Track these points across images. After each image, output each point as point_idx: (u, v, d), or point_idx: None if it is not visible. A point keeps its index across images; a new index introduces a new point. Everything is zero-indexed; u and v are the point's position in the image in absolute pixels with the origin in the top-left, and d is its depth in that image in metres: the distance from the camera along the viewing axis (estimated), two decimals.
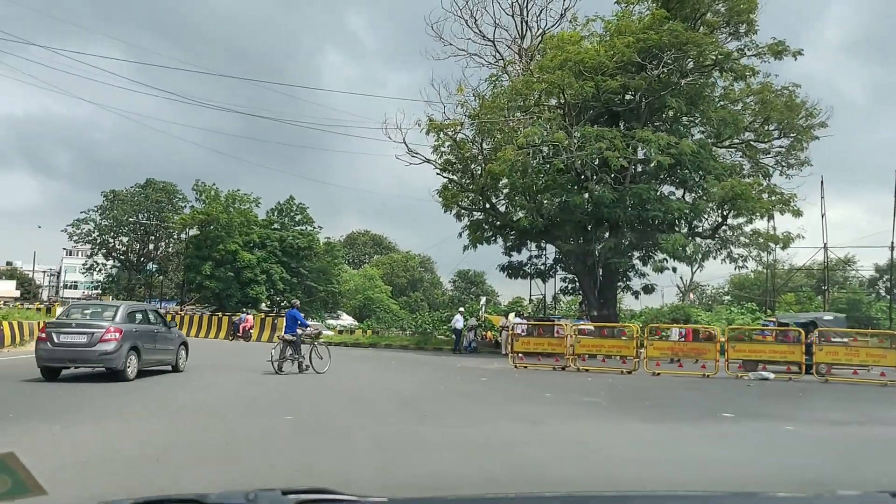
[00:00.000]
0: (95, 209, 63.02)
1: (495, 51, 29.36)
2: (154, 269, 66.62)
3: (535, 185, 27.44)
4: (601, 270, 28.80)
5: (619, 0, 28.15)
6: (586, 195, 25.95)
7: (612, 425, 9.49)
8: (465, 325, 29.43)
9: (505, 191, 29.49)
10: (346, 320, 56.88)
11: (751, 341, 18.27)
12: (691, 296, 64.77)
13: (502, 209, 30.56)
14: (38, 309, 31.66)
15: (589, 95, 25.23)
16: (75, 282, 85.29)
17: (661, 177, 28.22)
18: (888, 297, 50.04)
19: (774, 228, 27.94)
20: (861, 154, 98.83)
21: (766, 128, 28.21)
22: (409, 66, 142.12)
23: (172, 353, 14.90)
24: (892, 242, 34.67)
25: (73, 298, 79.32)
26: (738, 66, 27.40)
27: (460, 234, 30.82)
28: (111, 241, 64.48)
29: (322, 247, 56.47)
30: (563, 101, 26.59)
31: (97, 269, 66.66)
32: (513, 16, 29.47)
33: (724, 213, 27.69)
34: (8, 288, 61.67)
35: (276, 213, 55.99)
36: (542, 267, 33.16)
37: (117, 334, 12.68)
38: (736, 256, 29.12)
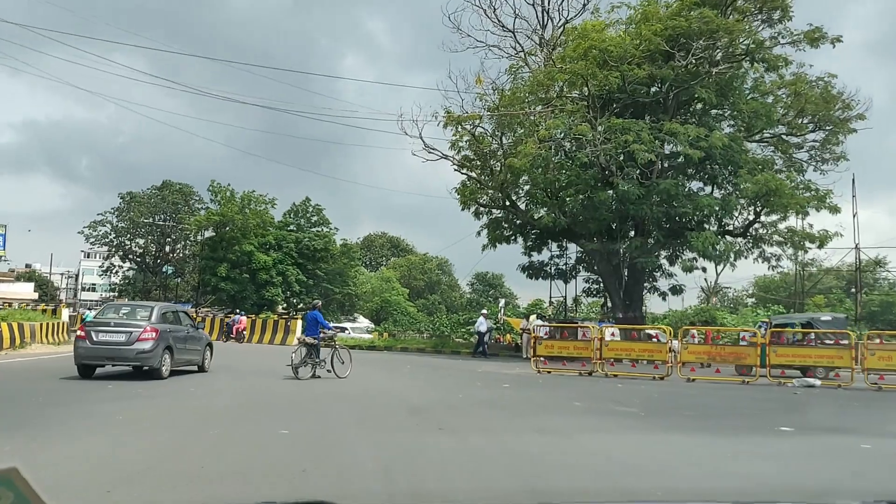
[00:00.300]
0: (112, 211, 62.73)
1: (515, 42, 28.19)
2: (170, 272, 66.19)
3: (558, 181, 26.28)
4: (626, 270, 27.60)
5: None
6: (611, 192, 24.72)
7: (653, 439, 8.34)
8: (491, 328, 28.39)
9: (526, 188, 28.34)
10: (363, 323, 56.00)
11: (794, 346, 16.91)
12: (713, 299, 62.94)
13: (523, 207, 29.40)
14: (44, 311, 31.03)
15: (614, 87, 24.03)
16: (93, 284, 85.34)
17: (690, 172, 26.99)
18: None
19: (811, 226, 26.40)
20: (882, 155, 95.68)
21: (799, 120, 26.80)
22: (426, 67, 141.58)
23: (199, 353, 15.17)
24: None
25: (90, 301, 79.34)
26: (771, 56, 26.08)
27: (478, 233, 29.76)
28: (128, 243, 64.11)
29: (338, 248, 55.64)
30: (587, 93, 25.41)
31: (114, 272, 66.40)
32: (533, 5, 28.31)
33: (757, 209, 26.32)
34: (26, 290, 61.71)
35: (292, 215, 55.28)
36: (564, 267, 31.99)
37: (154, 334, 13.01)
38: (769, 255, 27.76)
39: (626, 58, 23.92)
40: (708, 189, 27.16)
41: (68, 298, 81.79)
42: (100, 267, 70.80)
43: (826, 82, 26.32)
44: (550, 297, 37.84)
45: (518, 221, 29.56)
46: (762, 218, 26.80)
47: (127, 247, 64.19)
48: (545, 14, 28.43)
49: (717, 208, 25.34)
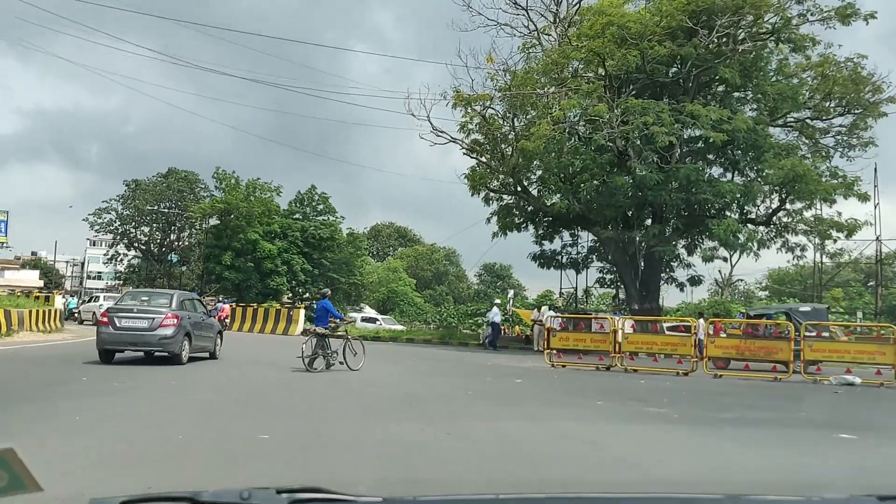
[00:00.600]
0: (117, 198, 61.92)
1: (528, 19, 26.91)
2: (175, 260, 65.39)
3: (572, 165, 25.06)
4: (643, 260, 26.41)
5: None
6: (628, 177, 23.51)
7: (692, 447, 7.25)
8: (502, 319, 27.33)
9: (538, 172, 27.13)
10: (370, 313, 55.06)
11: (831, 341, 15.73)
12: (725, 291, 61.50)
13: (535, 193, 28.22)
14: (37, 298, 30.11)
15: (633, 66, 22.78)
16: (99, 272, 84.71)
17: (710, 157, 25.75)
18: None
19: (839, 214, 25.08)
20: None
21: (826, 104, 25.42)
22: (434, 58, 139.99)
23: (212, 340, 15.50)
24: None
25: (95, 289, 78.75)
26: (797, 36, 24.76)
27: (488, 220, 28.59)
28: (133, 230, 63.32)
29: (344, 238, 54.65)
30: (603, 73, 24.15)
31: (119, 260, 65.68)
32: None
33: (782, 196, 25.05)
34: (32, 277, 61.18)
35: (297, 203, 54.26)
36: (577, 256, 30.82)
37: (175, 320, 13.34)
38: (793, 245, 26.51)
39: (646, 35, 22.69)
40: (729, 175, 25.94)
41: (74, 286, 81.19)
42: (105, 255, 70.13)
43: (856, 63, 24.92)
44: (561, 288, 36.74)
45: (530, 208, 28.39)
46: (787, 205, 25.55)
47: (132, 235, 63.40)
48: None
49: (738, 195, 24.06)
